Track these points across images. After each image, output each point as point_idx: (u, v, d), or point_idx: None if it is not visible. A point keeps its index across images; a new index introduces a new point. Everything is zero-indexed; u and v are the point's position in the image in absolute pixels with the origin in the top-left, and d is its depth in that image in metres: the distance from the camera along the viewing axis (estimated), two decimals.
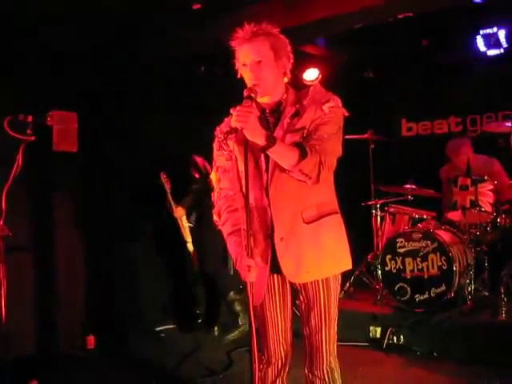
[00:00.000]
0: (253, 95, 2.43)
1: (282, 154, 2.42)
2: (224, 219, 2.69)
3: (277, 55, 2.51)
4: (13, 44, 4.56)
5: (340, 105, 2.55)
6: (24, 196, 4.78)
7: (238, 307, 5.25)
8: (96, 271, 5.48)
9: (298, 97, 2.58)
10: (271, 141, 2.36)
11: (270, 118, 2.59)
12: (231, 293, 5.23)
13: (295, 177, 2.44)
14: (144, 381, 4.48)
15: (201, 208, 5.32)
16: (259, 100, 2.56)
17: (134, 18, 4.71)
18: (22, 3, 4.12)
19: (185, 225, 5.41)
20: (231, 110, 2.37)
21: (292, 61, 2.61)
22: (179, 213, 5.36)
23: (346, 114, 2.58)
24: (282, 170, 2.46)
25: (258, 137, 2.36)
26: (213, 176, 2.80)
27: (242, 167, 2.59)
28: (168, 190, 5.41)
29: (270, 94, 2.56)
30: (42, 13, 4.30)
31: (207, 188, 4.91)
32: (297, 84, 2.67)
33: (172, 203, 5.38)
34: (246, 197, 2.43)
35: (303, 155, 2.38)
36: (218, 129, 2.64)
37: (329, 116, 2.48)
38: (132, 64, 5.43)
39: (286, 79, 2.62)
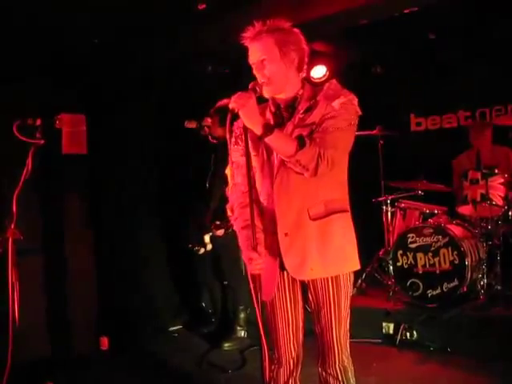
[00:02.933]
0: (257, 89, 2.44)
1: (280, 143, 2.42)
2: (236, 214, 2.70)
3: (282, 51, 2.48)
4: (14, 47, 4.58)
5: (354, 102, 2.50)
6: (34, 199, 4.81)
7: (242, 320, 5.20)
8: (108, 272, 5.50)
9: (313, 93, 2.55)
10: (268, 129, 2.36)
11: (285, 113, 2.59)
12: (242, 306, 5.20)
13: (293, 168, 2.42)
14: (157, 380, 4.51)
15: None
16: (276, 96, 2.58)
17: (134, 18, 4.71)
18: (23, 4, 4.13)
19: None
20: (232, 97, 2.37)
21: (307, 54, 2.57)
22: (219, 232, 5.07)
23: (360, 113, 2.52)
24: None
25: (255, 124, 2.37)
26: (228, 171, 2.81)
27: (255, 163, 2.62)
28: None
29: (283, 90, 2.56)
30: (41, 13, 4.31)
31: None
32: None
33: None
34: (249, 188, 2.44)
35: (301, 146, 2.37)
36: (235, 124, 2.59)
37: (338, 111, 2.44)
38: (132, 64, 5.45)
39: (302, 74, 2.60)
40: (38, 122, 3.54)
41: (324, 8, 4.60)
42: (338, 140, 2.44)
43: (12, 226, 3.50)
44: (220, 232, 4.99)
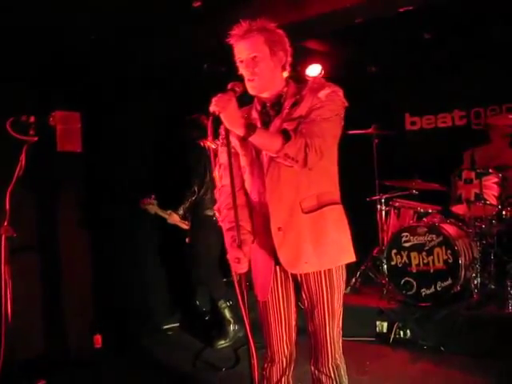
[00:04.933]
0: (237, 89, 2.44)
1: (265, 141, 2.43)
2: (223, 216, 2.72)
3: (272, 50, 2.52)
4: (13, 47, 4.56)
5: (339, 93, 2.54)
6: (28, 197, 4.79)
7: (228, 315, 5.20)
8: (102, 270, 5.48)
9: (298, 89, 2.59)
10: (250, 129, 2.36)
11: (271, 111, 2.61)
12: (221, 301, 5.20)
13: (282, 163, 2.43)
14: (151, 379, 4.50)
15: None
16: (260, 95, 2.60)
17: (134, 18, 4.70)
18: (23, 4, 4.12)
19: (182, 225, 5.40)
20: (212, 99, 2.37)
21: (290, 55, 2.62)
22: (174, 218, 5.28)
23: (346, 104, 2.56)
24: None
25: (236, 126, 2.37)
26: (216, 173, 2.81)
27: (244, 163, 2.63)
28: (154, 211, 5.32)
29: (268, 88, 2.59)
30: (41, 13, 4.30)
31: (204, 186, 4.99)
32: (299, 79, 2.67)
33: (163, 213, 5.30)
34: (232, 189, 2.46)
35: (287, 139, 2.37)
36: (222, 126, 2.60)
37: (324, 102, 2.47)
38: (132, 64, 5.44)
39: (285, 73, 2.63)
40: (32, 118, 3.54)
41: (319, 7, 4.60)
42: (324, 130, 2.45)
43: (5, 223, 3.50)
44: (185, 225, 5.27)
